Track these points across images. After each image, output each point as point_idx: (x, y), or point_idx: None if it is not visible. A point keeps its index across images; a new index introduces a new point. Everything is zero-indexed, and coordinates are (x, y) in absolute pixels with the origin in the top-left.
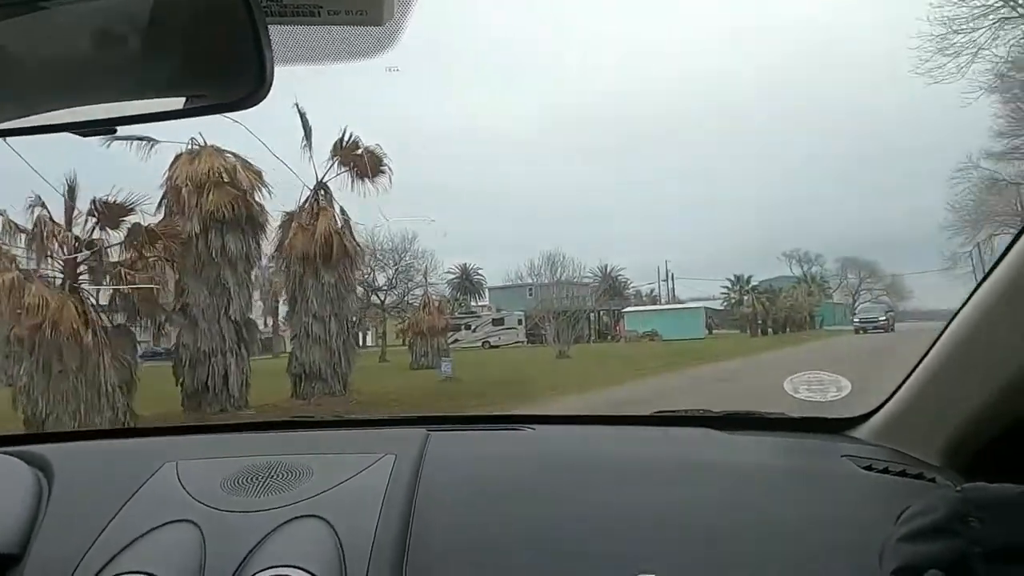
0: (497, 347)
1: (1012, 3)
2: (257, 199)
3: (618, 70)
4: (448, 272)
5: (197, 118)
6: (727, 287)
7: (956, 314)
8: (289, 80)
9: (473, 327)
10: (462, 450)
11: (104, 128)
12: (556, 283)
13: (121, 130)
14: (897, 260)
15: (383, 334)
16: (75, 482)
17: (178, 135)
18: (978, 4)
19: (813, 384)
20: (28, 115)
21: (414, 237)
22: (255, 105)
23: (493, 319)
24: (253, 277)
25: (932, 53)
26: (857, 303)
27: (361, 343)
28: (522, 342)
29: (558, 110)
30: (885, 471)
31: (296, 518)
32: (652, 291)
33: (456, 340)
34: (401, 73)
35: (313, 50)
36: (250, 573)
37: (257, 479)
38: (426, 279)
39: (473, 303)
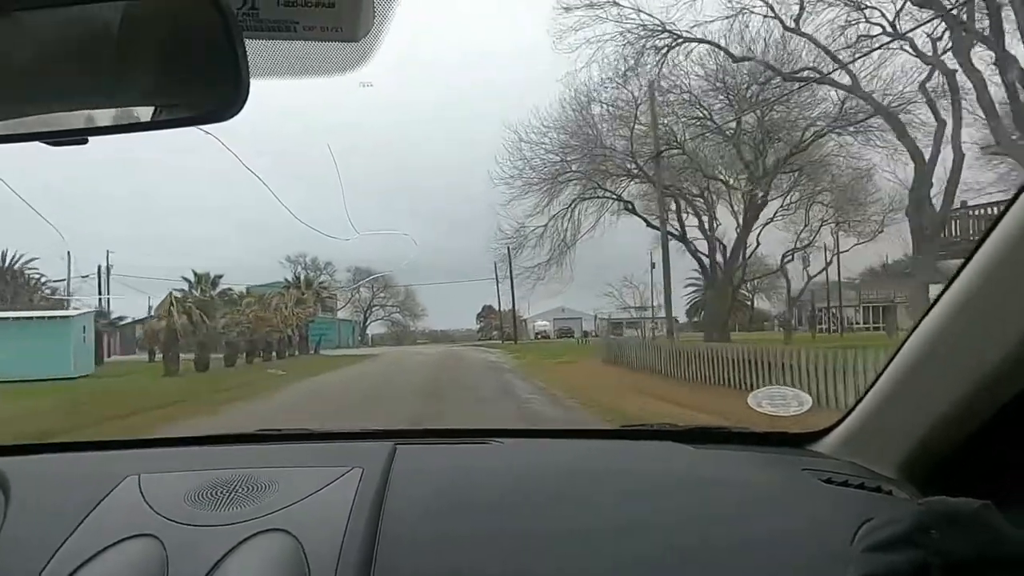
0: None
1: None
2: None
3: None
4: None
5: (172, 130)
6: (184, 289)
7: (913, 330)
8: (263, 94)
9: None
10: (429, 464)
11: (75, 138)
12: None
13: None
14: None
15: None
16: (33, 496)
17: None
18: None
19: (776, 399)
20: None
21: None
22: (230, 118)
23: None
24: None
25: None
26: (368, 321)
27: None
28: None
29: None
30: (844, 484)
31: (261, 532)
32: (61, 289)
33: None
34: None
35: (288, 65)
36: None
37: (221, 493)
38: None
39: None
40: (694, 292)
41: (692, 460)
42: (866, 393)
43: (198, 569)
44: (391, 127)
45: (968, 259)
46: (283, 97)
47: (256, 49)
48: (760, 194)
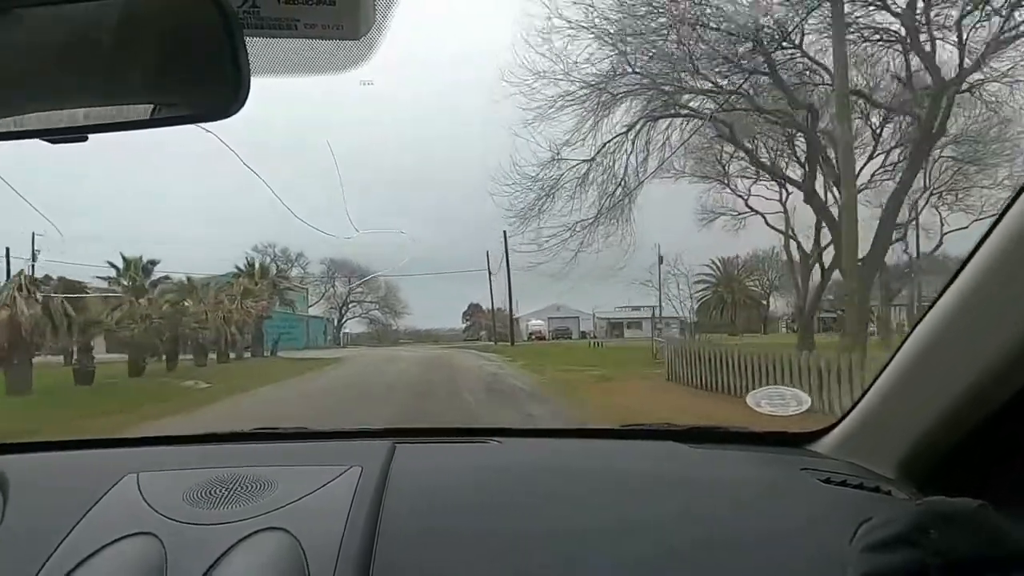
0: None
1: None
2: None
3: None
4: None
5: (172, 127)
6: (112, 277)
7: (911, 331)
8: (264, 92)
9: None
10: (428, 463)
11: (75, 136)
12: None
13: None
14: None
15: None
16: (32, 494)
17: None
18: None
19: (775, 399)
20: None
21: None
22: (231, 116)
23: None
24: None
25: None
26: (344, 318)
27: None
28: None
29: None
30: (843, 484)
31: (260, 531)
32: None
33: None
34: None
35: (289, 63)
36: None
37: (220, 491)
38: None
39: None
40: (705, 289)
41: (691, 460)
42: (865, 393)
43: (197, 567)
44: (387, 124)
45: (968, 259)
46: (282, 94)
47: (257, 47)
48: (935, 124)
